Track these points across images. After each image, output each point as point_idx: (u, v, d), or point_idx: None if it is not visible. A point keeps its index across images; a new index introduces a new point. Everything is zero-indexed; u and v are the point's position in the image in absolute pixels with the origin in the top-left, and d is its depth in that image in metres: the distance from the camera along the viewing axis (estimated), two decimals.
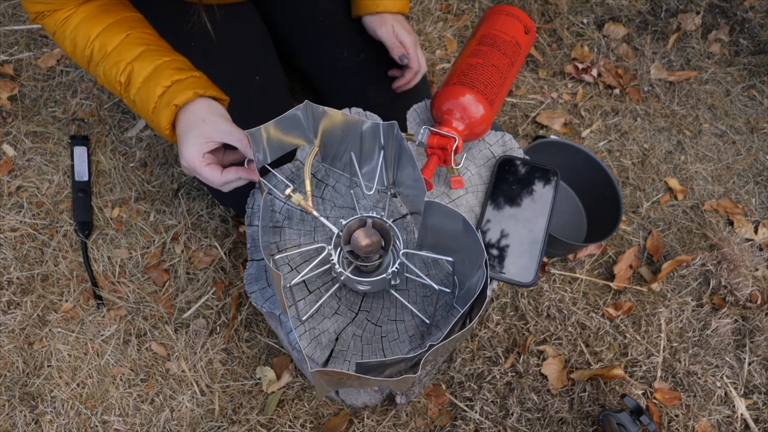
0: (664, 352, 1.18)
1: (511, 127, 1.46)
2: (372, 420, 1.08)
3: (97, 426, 1.07)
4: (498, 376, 1.12)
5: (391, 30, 0.99)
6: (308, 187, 0.76)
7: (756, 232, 1.34)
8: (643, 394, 1.13)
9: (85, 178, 1.25)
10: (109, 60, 0.82)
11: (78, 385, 1.10)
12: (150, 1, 0.91)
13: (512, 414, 1.09)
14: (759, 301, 1.23)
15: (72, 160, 1.27)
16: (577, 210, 1.32)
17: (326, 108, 0.74)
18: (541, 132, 1.45)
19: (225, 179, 0.77)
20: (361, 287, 0.76)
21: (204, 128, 0.77)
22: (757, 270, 1.27)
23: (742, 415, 1.13)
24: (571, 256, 1.28)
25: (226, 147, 0.81)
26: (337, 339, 0.77)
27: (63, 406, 1.08)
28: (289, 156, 0.88)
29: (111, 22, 0.83)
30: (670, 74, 1.56)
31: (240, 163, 0.81)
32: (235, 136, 0.76)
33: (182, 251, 1.22)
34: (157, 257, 1.22)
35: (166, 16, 0.93)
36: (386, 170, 0.80)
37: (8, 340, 1.12)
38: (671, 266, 1.26)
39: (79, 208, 1.23)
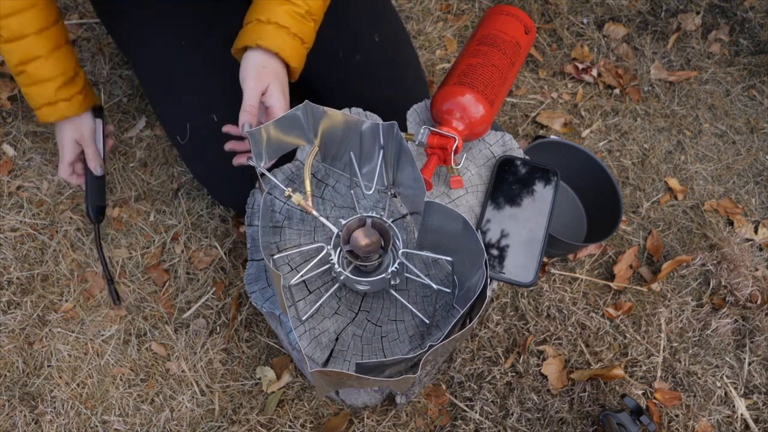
0: (664, 352, 1.18)
1: (511, 127, 1.46)
2: (372, 420, 1.08)
3: (97, 426, 1.07)
4: (498, 376, 1.12)
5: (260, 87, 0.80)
6: (308, 187, 0.76)
7: (756, 232, 1.34)
8: (643, 394, 1.13)
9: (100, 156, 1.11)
10: (12, 45, 0.91)
11: (78, 385, 1.10)
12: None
13: (512, 414, 1.09)
14: (759, 301, 1.23)
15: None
16: (577, 210, 1.32)
17: (326, 108, 0.74)
18: (541, 132, 1.45)
19: (72, 181, 1.11)
20: (360, 287, 0.76)
21: (73, 130, 1.04)
22: (757, 270, 1.27)
23: (742, 415, 1.13)
24: (571, 256, 1.28)
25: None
26: (337, 339, 0.77)
27: (63, 406, 1.08)
28: (289, 156, 0.88)
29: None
30: (670, 74, 1.56)
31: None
32: (92, 151, 1.09)
33: (182, 251, 1.22)
34: (157, 257, 1.22)
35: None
36: (386, 170, 0.80)
37: (8, 340, 1.12)
38: (671, 266, 1.26)
39: (93, 190, 1.13)
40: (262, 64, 0.80)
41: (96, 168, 1.09)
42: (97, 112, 1.12)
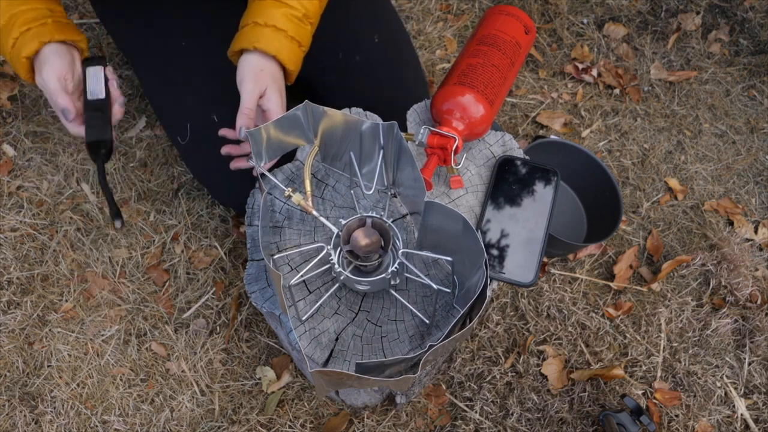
0: (664, 352, 1.18)
1: (511, 127, 1.46)
2: (372, 420, 1.08)
3: (97, 426, 1.07)
4: (498, 376, 1.12)
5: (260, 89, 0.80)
6: (308, 187, 0.76)
7: (756, 232, 1.34)
8: (643, 394, 1.13)
9: (101, 96, 0.94)
10: None
11: (78, 385, 1.10)
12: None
13: (512, 414, 1.09)
14: (759, 301, 1.23)
15: (84, 82, 0.95)
16: (577, 210, 1.32)
17: (326, 108, 0.74)
18: (541, 132, 1.45)
19: (77, 132, 0.84)
20: (360, 287, 0.76)
21: (52, 71, 0.81)
22: (757, 270, 1.27)
23: (742, 415, 1.13)
24: (571, 256, 1.28)
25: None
26: (337, 339, 0.77)
27: (63, 406, 1.08)
28: (289, 156, 0.88)
29: None
30: (670, 74, 1.56)
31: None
32: (70, 79, 0.83)
33: (182, 251, 1.22)
34: (157, 257, 1.22)
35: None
36: (386, 170, 0.80)
37: (8, 340, 1.12)
38: (671, 266, 1.26)
39: (94, 126, 0.92)
40: (260, 67, 0.80)
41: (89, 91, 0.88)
42: (95, 61, 0.96)
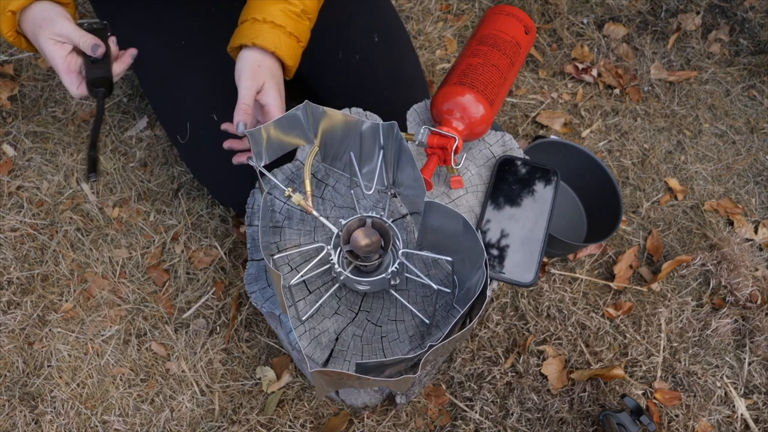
0: (664, 352, 1.18)
1: (511, 127, 1.46)
2: (372, 420, 1.08)
3: (97, 426, 1.07)
4: (498, 376, 1.12)
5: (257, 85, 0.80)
6: (308, 187, 0.76)
7: (756, 232, 1.34)
8: (643, 394, 1.13)
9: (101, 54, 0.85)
10: None
11: (78, 385, 1.10)
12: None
13: (512, 414, 1.09)
14: (759, 301, 1.23)
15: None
16: (577, 210, 1.32)
17: (326, 108, 0.74)
18: (541, 132, 1.45)
19: (80, 93, 0.80)
20: (360, 287, 0.76)
21: (46, 32, 0.77)
22: (757, 270, 1.27)
23: (742, 415, 1.13)
24: (571, 256, 1.28)
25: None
26: (337, 339, 0.77)
27: (63, 406, 1.08)
28: (289, 156, 0.88)
29: None
30: (670, 74, 1.56)
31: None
32: (77, 35, 0.78)
33: (182, 251, 1.22)
34: (157, 257, 1.22)
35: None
36: (386, 170, 0.80)
37: (8, 340, 1.12)
38: (671, 266, 1.26)
39: (93, 69, 0.84)
40: (258, 63, 0.80)
41: (88, 46, 0.80)
42: (97, 33, 0.88)
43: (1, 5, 0.77)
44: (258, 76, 0.80)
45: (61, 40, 0.78)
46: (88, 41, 0.79)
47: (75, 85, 0.80)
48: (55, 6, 0.80)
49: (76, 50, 0.81)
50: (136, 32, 1.04)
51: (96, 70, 0.83)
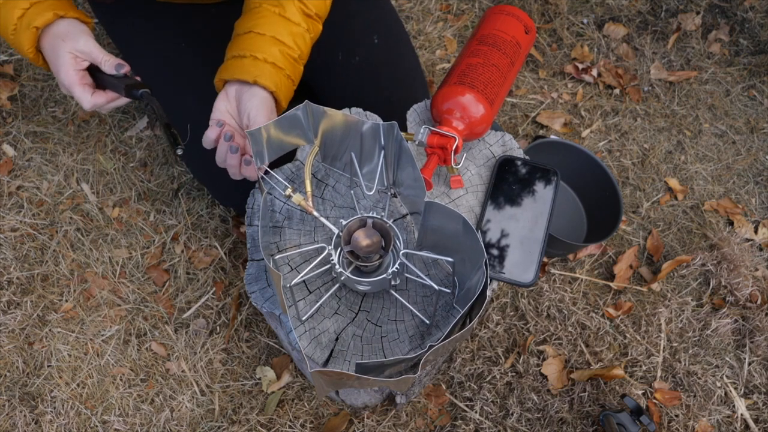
0: (664, 352, 1.18)
1: (511, 127, 1.46)
2: (372, 420, 1.08)
3: (97, 426, 1.07)
4: (498, 376, 1.12)
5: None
6: (308, 187, 0.76)
7: (756, 232, 1.34)
8: (643, 394, 1.13)
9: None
10: None
11: (78, 385, 1.10)
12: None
13: (512, 414, 1.09)
14: (759, 301, 1.23)
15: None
16: (577, 210, 1.32)
17: (326, 108, 0.74)
18: (541, 132, 1.45)
19: (95, 102, 0.80)
20: (361, 287, 0.76)
21: (68, 46, 0.78)
22: (757, 270, 1.27)
23: (742, 415, 1.13)
24: (571, 256, 1.28)
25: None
26: (337, 339, 0.77)
27: (63, 406, 1.08)
28: (289, 156, 0.88)
29: None
30: (670, 74, 1.56)
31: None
32: (101, 55, 0.79)
33: (182, 251, 1.22)
34: (157, 257, 1.22)
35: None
36: (386, 170, 0.80)
37: (8, 340, 1.12)
38: (671, 266, 1.26)
39: (118, 81, 0.84)
40: (265, 103, 0.79)
41: (111, 65, 0.81)
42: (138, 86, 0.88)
43: (25, 21, 0.78)
44: (272, 117, 0.79)
45: (81, 57, 0.80)
46: (111, 61, 0.81)
47: (88, 95, 0.80)
48: (80, 23, 0.82)
49: (89, 70, 0.83)
50: (136, 33, 1.04)
51: (122, 80, 0.83)
